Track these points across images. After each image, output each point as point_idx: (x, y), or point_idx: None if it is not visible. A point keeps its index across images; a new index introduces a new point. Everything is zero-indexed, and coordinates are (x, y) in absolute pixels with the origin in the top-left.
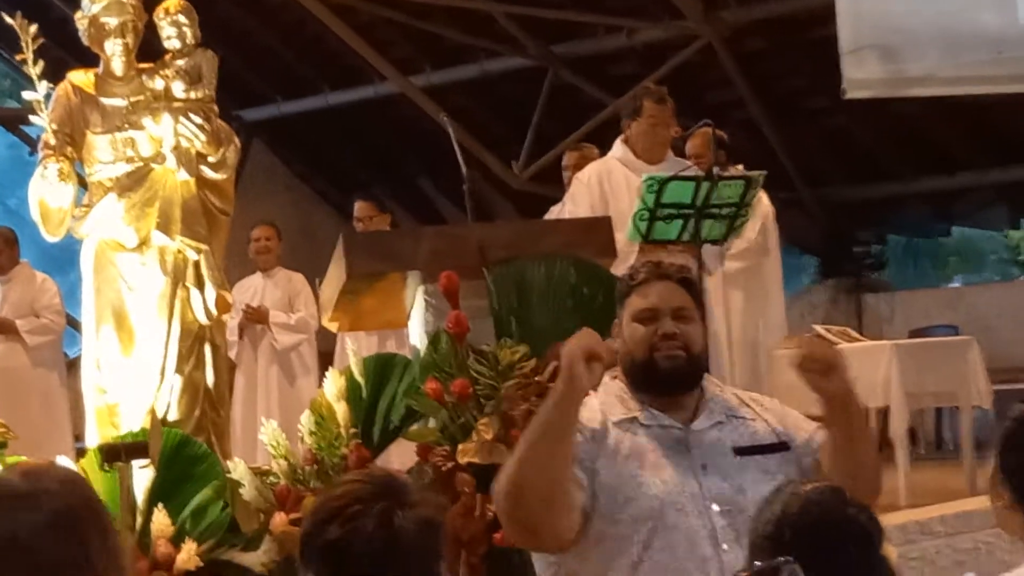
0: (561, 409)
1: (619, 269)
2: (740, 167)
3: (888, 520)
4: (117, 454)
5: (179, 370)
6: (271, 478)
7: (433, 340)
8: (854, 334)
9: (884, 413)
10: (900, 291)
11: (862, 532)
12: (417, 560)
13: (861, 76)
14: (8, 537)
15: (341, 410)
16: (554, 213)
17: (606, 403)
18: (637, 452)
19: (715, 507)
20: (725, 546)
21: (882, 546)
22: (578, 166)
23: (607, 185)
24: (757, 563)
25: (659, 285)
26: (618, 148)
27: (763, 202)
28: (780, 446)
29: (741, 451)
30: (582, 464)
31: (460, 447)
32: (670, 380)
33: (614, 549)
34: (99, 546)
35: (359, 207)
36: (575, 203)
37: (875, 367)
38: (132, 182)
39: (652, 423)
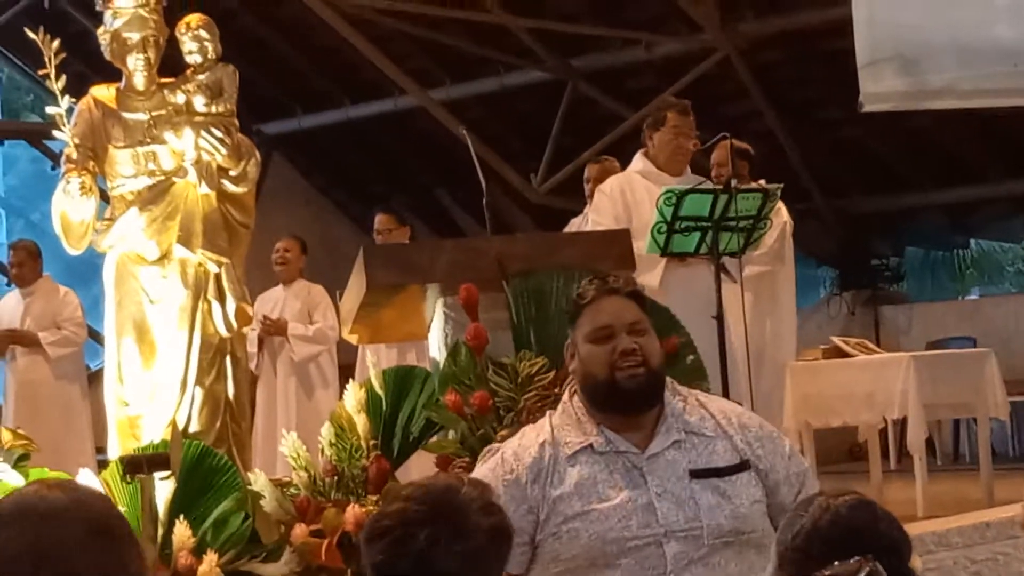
0: None
1: (643, 279)
2: (762, 182)
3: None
4: (139, 466)
5: (200, 382)
6: (291, 489)
7: (452, 352)
8: (871, 346)
9: (901, 424)
10: (917, 303)
11: (892, 547)
12: None
13: (878, 89)
14: (51, 547)
15: (361, 422)
16: (574, 225)
17: (562, 428)
18: (587, 485)
19: (668, 534)
20: (673, 574)
21: (910, 557)
22: (599, 179)
23: (630, 196)
24: (837, 563)
25: (609, 301)
26: (638, 161)
27: (782, 212)
28: (738, 467)
29: (696, 474)
30: (528, 521)
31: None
32: (633, 399)
33: None
34: (132, 555)
35: (379, 220)
36: (599, 214)
37: (892, 379)
38: (154, 196)
39: (607, 450)
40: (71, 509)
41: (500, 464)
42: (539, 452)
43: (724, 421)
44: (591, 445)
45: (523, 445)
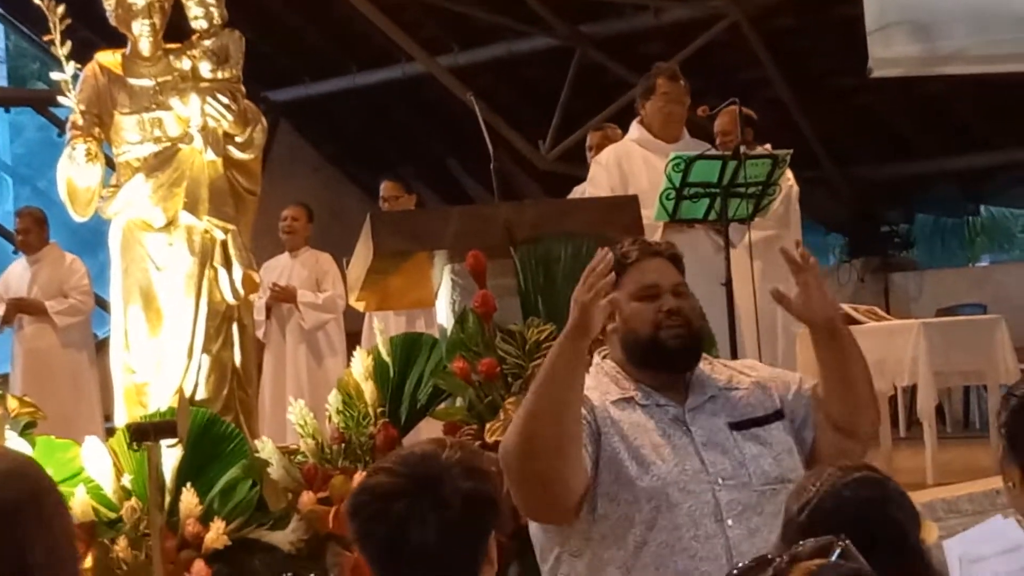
0: (571, 350)
1: None
2: (768, 146)
3: (916, 499)
4: (146, 433)
5: (207, 350)
6: (299, 457)
7: (460, 319)
8: (881, 313)
9: (912, 392)
10: (928, 270)
11: (898, 531)
12: (436, 563)
13: (888, 55)
14: None
15: (369, 389)
16: (578, 193)
17: (599, 384)
18: (638, 430)
19: (719, 482)
20: (730, 521)
21: (918, 537)
22: (601, 146)
23: (626, 166)
24: (802, 542)
25: (654, 262)
26: (634, 130)
27: (787, 177)
28: (774, 416)
29: (736, 426)
30: (585, 428)
31: (488, 426)
32: (675, 357)
33: (618, 529)
34: (39, 542)
35: (385, 187)
36: (595, 185)
37: (903, 346)
38: (159, 162)
39: (648, 402)
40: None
41: None
42: (591, 401)
43: (749, 374)
44: (632, 397)
45: None
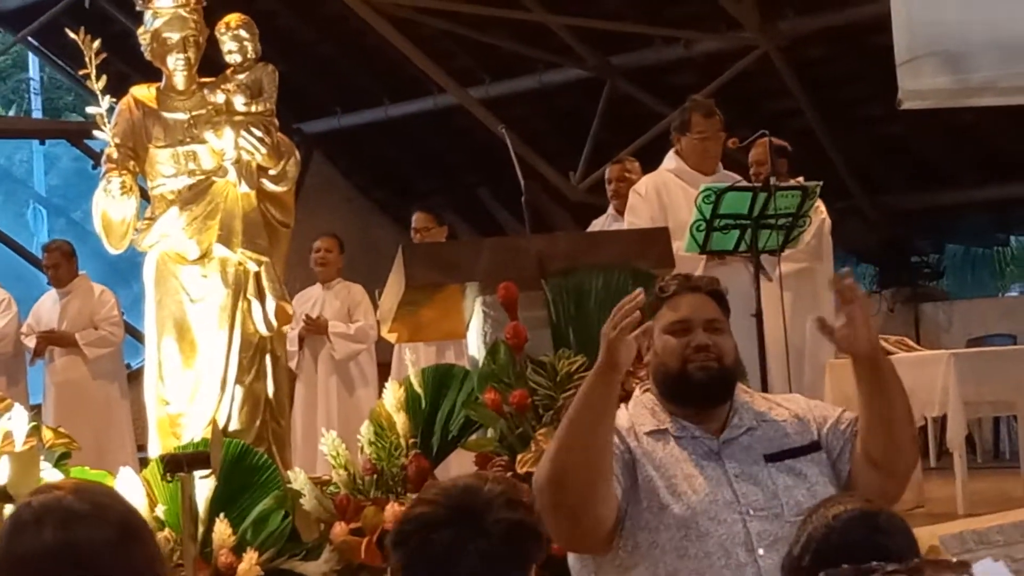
0: (601, 385)
1: None
2: (800, 179)
3: (946, 529)
4: (179, 464)
5: (240, 381)
6: (331, 488)
7: (492, 351)
8: (912, 343)
9: (942, 422)
10: (958, 300)
11: (889, 560)
12: None
13: (917, 87)
14: (84, 548)
15: (400, 420)
16: (597, 225)
17: (636, 415)
18: (670, 461)
19: (750, 513)
20: (761, 551)
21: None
22: (620, 179)
23: (665, 197)
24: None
25: (690, 297)
26: (671, 160)
27: (819, 209)
28: (810, 447)
29: (772, 458)
30: (618, 459)
31: (519, 457)
32: (703, 391)
33: (649, 558)
34: (156, 556)
35: (417, 218)
36: (635, 215)
37: (933, 376)
38: (194, 195)
39: (683, 434)
40: (100, 511)
41: None
42: (624, 432)
43: (784, 409)
44: (667, 429)
45: None
